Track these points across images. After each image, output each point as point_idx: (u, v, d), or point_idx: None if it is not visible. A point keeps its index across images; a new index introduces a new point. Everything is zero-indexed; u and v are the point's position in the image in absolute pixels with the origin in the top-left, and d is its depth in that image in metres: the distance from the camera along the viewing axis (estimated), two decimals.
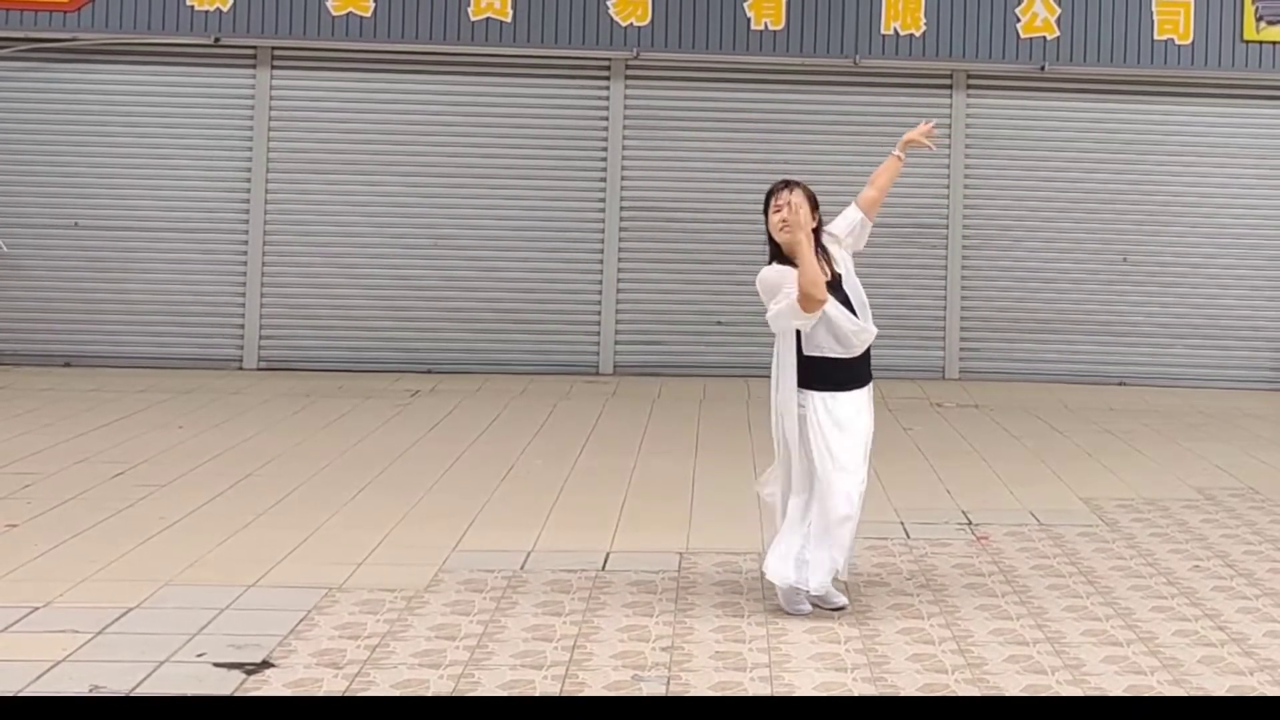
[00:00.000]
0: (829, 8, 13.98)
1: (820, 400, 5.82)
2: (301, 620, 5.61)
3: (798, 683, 5.03)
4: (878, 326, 5.99)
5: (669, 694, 4.91)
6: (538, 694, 4.88)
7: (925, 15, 14.01)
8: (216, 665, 5.07)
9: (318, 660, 5.15)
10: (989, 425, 11.25)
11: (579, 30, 13.93)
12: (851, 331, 5.84)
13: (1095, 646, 5.49)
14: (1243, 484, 8.93)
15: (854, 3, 13.98)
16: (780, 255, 5.88)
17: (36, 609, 5.68)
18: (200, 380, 12.76)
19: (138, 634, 5.43)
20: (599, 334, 14.04)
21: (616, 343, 14.06)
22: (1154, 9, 14.08)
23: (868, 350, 5.97)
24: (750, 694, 4.91)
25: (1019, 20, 14.08)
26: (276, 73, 13.97)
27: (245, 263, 13.91)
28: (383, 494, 8.09)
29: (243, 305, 13.89)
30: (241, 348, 13.86)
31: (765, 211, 5.95)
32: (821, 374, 5.83)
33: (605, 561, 6.65)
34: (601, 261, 14.08)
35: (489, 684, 4.94)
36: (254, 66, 13.97)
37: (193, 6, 13.79)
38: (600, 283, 14.06)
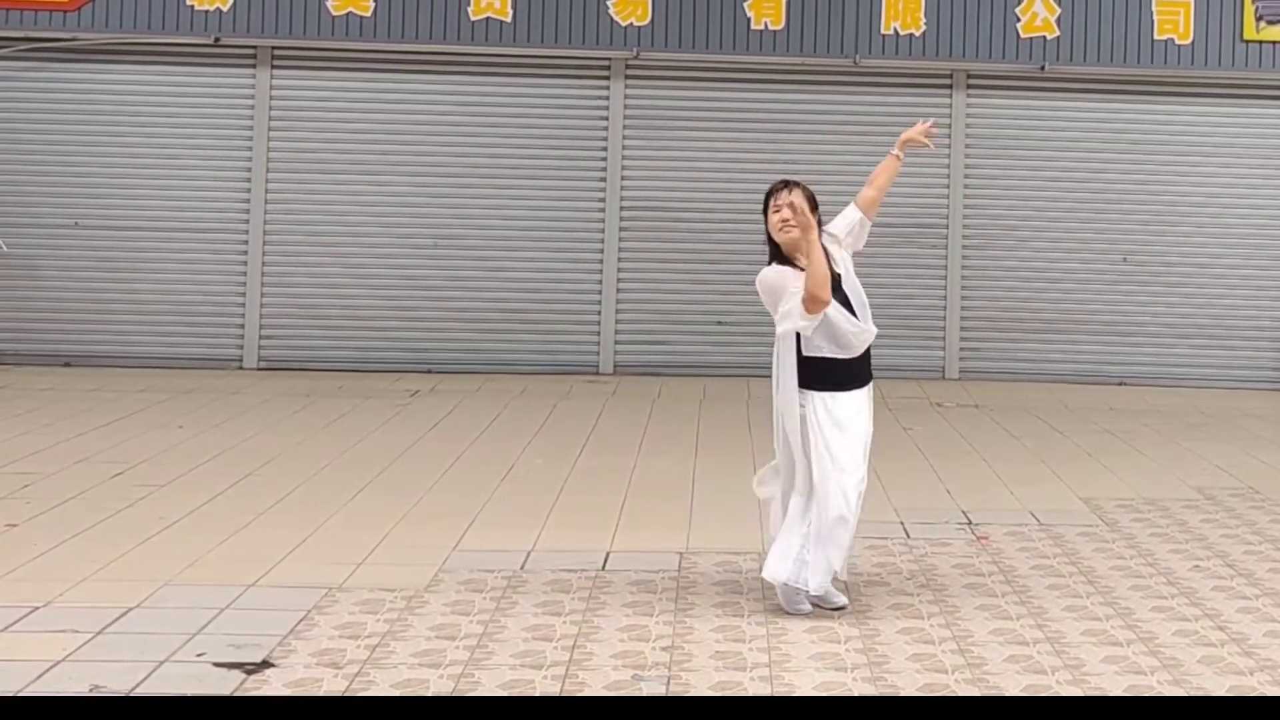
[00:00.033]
0: (829, 8, 13.98)
1: (820, 400, 5.82)
2: (301, 620, 5.61)
3: (798, 682, 5.03)
4: (878, 326, 5.99)
5: (669, 694, 4.91)
6: (538, 694, 4.87)
7: (925, 15, 14.01)
8: (216, 665, 5.07)
9: (318, 660, 5.15)
10: (989, 425, 11.25)
11: (579, 30, 13.93)
12: (851, 332, 5.83)
13: (1095, 646, 5.49)
14: (1243, 484, 8.93)
15: (854, 3, 13.98)
16: (780, 256, 5.88)
17: (36, 609, 5.68)
18: (200, 380, 12.76)
19: (138, 634, 5.43)
20: (599, 334, 14.03)
21: (616, 342, 14.06)
22: (1154, 9, 14.08)
23: (868, 350, 5.96)
24: (750, 694, 4.91)
25: (1019, 20, 14.08)
26: (276, 73, 13.97)
27: (245, 263, 13.91)
28: (383, 494, 8.09)
29: (243, 305, 13.89)
30: (241, 347, 13.85)
31: (765, 212, 5.94)
32: (821, 374, 5.83)
33: (605, 561, 6.65)
34: (601, 261, 14.07)
35: (489, 684, 4.94)
36: (254, 66, 13.97)
37: (193, 6, 13.79)
38: (600, 282, 14.06)
